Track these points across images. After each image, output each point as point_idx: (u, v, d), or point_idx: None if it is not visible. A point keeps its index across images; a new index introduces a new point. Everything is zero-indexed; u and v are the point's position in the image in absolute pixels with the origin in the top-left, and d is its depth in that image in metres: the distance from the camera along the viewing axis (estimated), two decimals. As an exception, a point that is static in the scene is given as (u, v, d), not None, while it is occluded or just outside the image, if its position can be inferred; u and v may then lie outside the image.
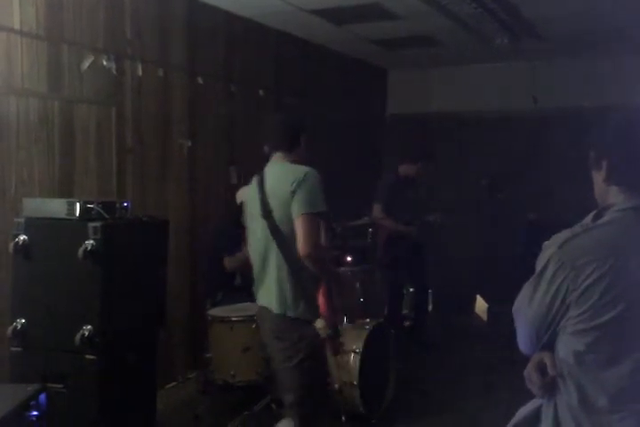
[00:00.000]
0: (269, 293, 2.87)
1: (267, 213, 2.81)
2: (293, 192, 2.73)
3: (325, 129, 6.33)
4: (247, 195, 3.01)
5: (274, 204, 2.80)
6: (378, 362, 4.05)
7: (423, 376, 4.78)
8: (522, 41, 5.67)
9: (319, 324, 2.78)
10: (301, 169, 2.82)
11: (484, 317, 6.36)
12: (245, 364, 3.90)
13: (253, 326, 3.86)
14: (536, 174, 6.60)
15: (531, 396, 1.64)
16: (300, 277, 2.79)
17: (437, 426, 4.01)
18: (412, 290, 5.80)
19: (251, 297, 4.29)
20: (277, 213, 2.79)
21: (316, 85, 6.25)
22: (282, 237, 2.78)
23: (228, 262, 4.32)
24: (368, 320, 4.17)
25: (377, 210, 5.35)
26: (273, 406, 3.95)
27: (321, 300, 2.79)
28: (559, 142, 6.35)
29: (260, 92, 5.37)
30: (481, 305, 6.47)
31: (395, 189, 5.39)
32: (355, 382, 3.78)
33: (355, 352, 3.83)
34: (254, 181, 2.96)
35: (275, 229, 2.79)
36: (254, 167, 5.46)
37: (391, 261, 5.44)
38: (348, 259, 5.33)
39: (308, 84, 6.13)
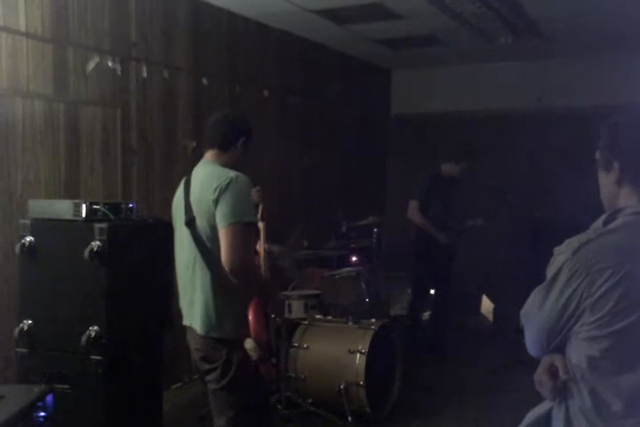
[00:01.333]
0: (193, 310, 2.60)
1: (189, 220, 2.55)
2: (216, 200, 2.44)
3: (329, 129, 6.34)
4: (175, 198, 2.76)
5: (196, 211, 2.54)
6: (383, 362, 4.06)
7: (429, 376, 4.78)
8: (526, 40, 5.67)
9: (248, 344, 2.52)
10: (227, 174, 2.51)
11: (490, 317, 6.35)
12: (251, 364, 3.91)
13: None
14: (541, 174, 6.59)
15: (536, 395, 1.64)
16: (227, 292, 2.52)
17: (443, 425, 4.01)
18: (432, 291, 5.72)
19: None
20: (200, 222, 2.53)
21: (319, 86, 6.26)
22: (205, 248, 2.52)
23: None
24: (374, 320, 4.17)
25: (413, 207, 5.19)
26: (279, 406, 3.96)
27: (251, 318, 2.54)
28: (564, 142, 6.34)
29: (265, 92, 5.38)
30: (487, 305, 6.47)
31: (433, 188, 5.21)
32: (361, 383, 3.78)
33: (360, 352, 3.83)
34: (182, 182, 2.73)
35: (198, 239, 2.53)
36: (258, 167, 5.50)
37: (419, 259, 5.32)
38: (354, 259, 5.33)
39: (311, 85, 6.13)
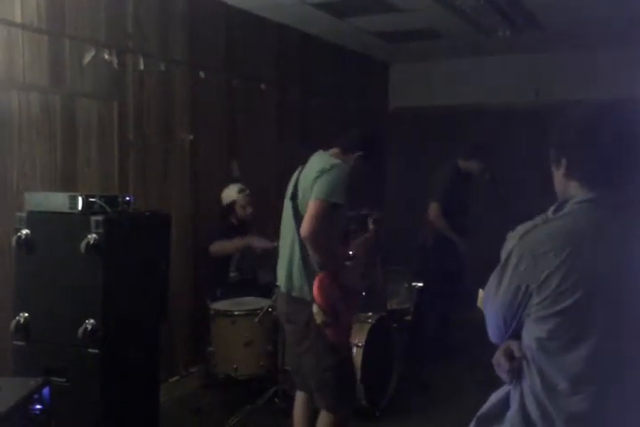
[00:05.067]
0: (282, 270, 3.01)
1: (293, 196, 2.99)
2: (315, 179, 2.84)
3: (326, 123, 6.32)
4: (293, 177, 3.14)
5: (300, 189, 2.96)
6: (380, 356, 4.06)
7: (425, 371, 4.79)
8: (524, 33, 5.64)
9: (314, 309, 2.80)
10: (331, 161, 2.93)
11: (487, 311, 6.33)
12: (247, 358, 3.92)
13: (256, 320, 3.88)
14: (537, 168, 6.57)
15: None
16: (308, 259, 2.88)
17: (440, 420, 4.02)
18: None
19: (247, 291, 4.33)
20: (301, 198, 2.93)
21: (317, 79, 6.24)
22: (300, 221, 2.87)
23: (212, 248, 4.33)
24: (370, 314, 4.18)
25: (435, 210, 4.95)
26: (276, 399, 3.97)
27: (315, 285, 2.81)
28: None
29: (262, 85, 5.36)
30: (482, 300, 6.45)
31: (454, 187, 5.00)
32: (357, 376, 3.78)
33: (357, 346, 3.83)
34: (300, 167, 3.11)
35: (296, 212, 2.94)
36: (256, 161, 5.49)
37: (439, 272, 5.10)
38: (350, 253, 5.32)
39: (309, 78, 6.11)
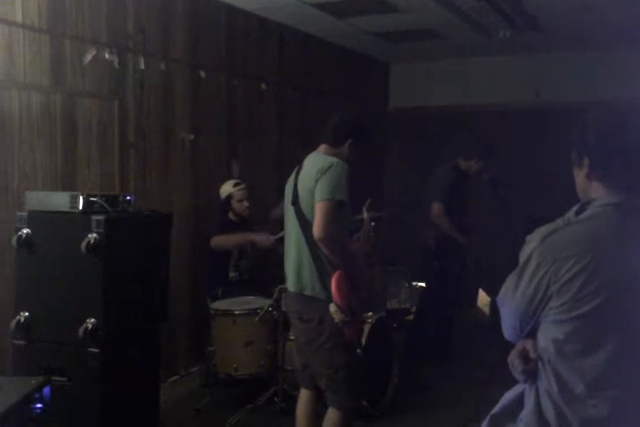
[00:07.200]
0: (289, 273, 3.02)
1: (294, 200, 2.97)
2: (316, 180, 2.84)
3: (327, 122, 6.32)
4: (287, 182, 3.14)
5: (301, 192, 2.94)
6: (381, 356, 4.06)
7: (426, 372, 4.78)
8: (524, 34, 5.65)
9: (332, 308, 2.81)
10: (329, 160, 2.93)
11: (487, 311, 6.35)
12: (248, 357, 3.92)
13: (256, 319, 3.88)
14: (537, 168, 6.59)
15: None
16: (320, 259, 2.88)
17: (439, 420, 4.02)
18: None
19: (248, 291, 4.33)
20: (303, 201, 2.93)
21: (317, 79, 6.24)
22: (305, 223, 2.89)
23: (214, 241, 4.33)
24: (370, 314, 4.17)
25: (438, 209, 4.91)
26: (276, 399, 3.96)
27: (333, 284, 2.81)
28: (560, 136, 6.31)
29: (263, 85, 5.36)
30: (483, 299, 6.47)
31: (454, 187, 5.00)
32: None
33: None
34: (295, 169, 3.10)
35: (300, 216, 2.93)
36: (256, 160, 5.48)
37: (442, 272, 5.07)
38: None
39: (309, 78, 6.11)
